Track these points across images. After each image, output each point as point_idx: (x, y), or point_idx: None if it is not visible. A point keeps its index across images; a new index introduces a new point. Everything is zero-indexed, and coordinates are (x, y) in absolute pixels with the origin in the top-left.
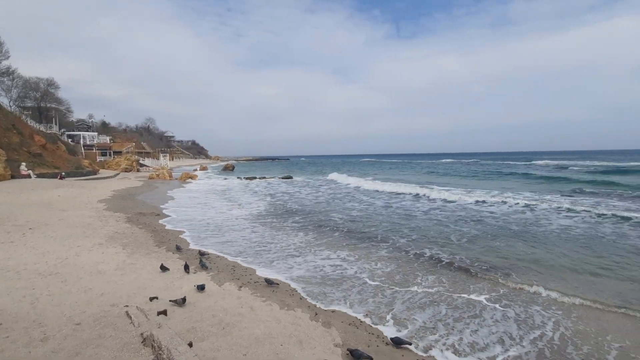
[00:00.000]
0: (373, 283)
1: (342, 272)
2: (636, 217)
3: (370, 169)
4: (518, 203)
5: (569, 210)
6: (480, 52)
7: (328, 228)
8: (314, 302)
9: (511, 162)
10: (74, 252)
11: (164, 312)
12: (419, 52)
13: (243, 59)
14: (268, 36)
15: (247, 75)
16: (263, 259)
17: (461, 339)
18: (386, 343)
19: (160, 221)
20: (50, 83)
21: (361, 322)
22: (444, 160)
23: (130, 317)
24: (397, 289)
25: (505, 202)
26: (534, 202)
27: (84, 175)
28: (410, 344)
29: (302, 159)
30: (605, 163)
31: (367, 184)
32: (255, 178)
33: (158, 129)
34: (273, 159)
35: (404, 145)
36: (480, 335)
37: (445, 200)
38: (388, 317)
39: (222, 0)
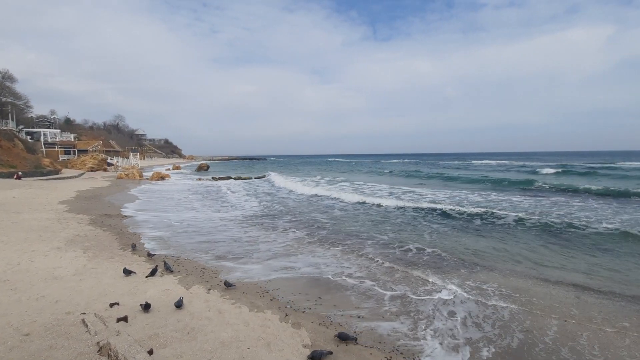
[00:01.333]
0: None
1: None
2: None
3: (325, 168)
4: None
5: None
6: (452, 56)
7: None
8: (284, 304)
9: (456, 162)
10: (27, 258)
11: (125, 319)
12: (394, 55)
13: (219, 55)
14: (244, 33)
15: (223, 72)
16: (233, 260)
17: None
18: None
19: (127, 222)
20: (5, 75)
21: (331, 321)
22: (392, 160)
23: (87, 325)
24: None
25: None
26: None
27: (44, 175)
28: (355, 339)
29: (272, 158)
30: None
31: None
32: (230, 178)
33: (128, 126)
34: (250, 158)
35: (379, 145)
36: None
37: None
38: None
39: None
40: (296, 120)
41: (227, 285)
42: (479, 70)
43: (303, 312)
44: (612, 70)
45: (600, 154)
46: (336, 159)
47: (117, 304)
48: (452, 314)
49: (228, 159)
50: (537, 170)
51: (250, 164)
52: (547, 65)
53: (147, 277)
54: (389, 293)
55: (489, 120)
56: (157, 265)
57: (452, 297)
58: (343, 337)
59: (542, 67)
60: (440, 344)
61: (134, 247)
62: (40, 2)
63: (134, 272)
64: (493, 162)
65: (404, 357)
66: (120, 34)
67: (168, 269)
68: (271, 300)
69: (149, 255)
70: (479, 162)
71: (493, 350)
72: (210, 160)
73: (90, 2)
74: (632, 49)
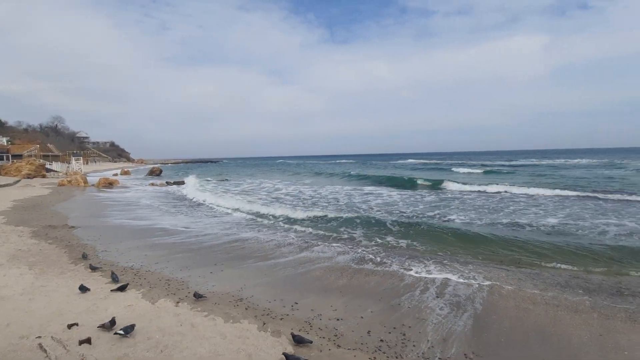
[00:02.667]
0: None
1: None
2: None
3: (263, 170)
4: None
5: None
6: (407, 60)
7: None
8: (261, 311)
9: (391, 162)
10: None
11: (88, 340)
12: (352, 57)
13: (171, 54)
14: (199, 31)
15: (175, 71)
16: (201, 270)
17: None
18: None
19: (75, 234)
20: None
21: (311, 326)
22: (338, 161)
23: (45, 350)
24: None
25: None
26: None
27: None
28: (311, 342)
29: (225, 161)
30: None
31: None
32: (183, 182)
33: (69, 128)
34: (206, 161)
35: (341, 146)
36: None
37: None
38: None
39: None
40: (256, 122)
41: (197, 296)
42: (433, 74)
43: (281, 319)
44: (550, 74)
45: (551, 152)
46: (285, 161)
47: (76, 324)
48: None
49: (183, 162)
50: (452, 169)
51: (202, 167)
52: (494, 70)
53: (112, 290)
54: None
55: (445, 121)
56: (127, 283)
57: None
58: (298, 341)
59: (490, 72)
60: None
61: (85, 256)
62: None
63: (89, 290)
64: (416, 161)
65: None
66: (61, 30)
67: (114, 280)
68: (246, 309)
69: (92, 268)
70: (404, 161)
71: None
72: (162, 163)
73: None
74: (564, 56)
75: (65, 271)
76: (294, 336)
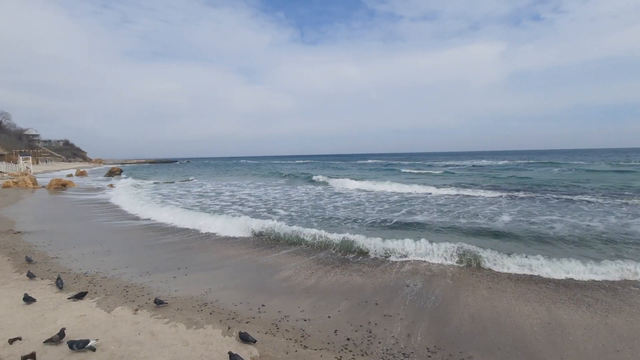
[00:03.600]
0: None
1: None
2: None
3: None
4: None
5: None
6: (375, 62)
7: None
8: (226, 315)
9: (351, 161)
10: None
11: (32, 356)
12: (322, 58)
13: (132, 48)
14: (162, 26)
15: (137, 67)
16: (163, 274)
17: None
18: (304, 346)
19: (22, 239)
20: None
21: (278, 328)
22: (298, 161)
23: None
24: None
25: None
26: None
27: None
28: (255, 341)
29: (184, 161)
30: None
31: None
32: (157, 182)
33: (15, 125)
34: (171, 161)
35: (310, 146)
36: None
37: None
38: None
39: None
40: (224, 121)
41: (158, 302)
42: (399, 77)
43: (247, 322)
44: (506, 80)
45: (502, 153)
46: (247, 161)
47: (19, 338)
48: None
49: (145, 163)
50: (398, 169)
51: (160, 167)
52: (455, 74)
53: (56, 302)
54: None
55: (409, 123)
56: (87, 291)
57: None
58: (243, 338)
59: (451, 76)
60: None
61: (29, 259)
62: None
63: (35, 300)
64: (375, 161)
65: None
66: (6, 18)
67: (58, 285)
68: (211, 313)
69: (29, 275)
70: (364, 161)
71: None
72: (123, 164)
73: None
74: (520, 63)
75: (9, 281)
76: (240, 334)
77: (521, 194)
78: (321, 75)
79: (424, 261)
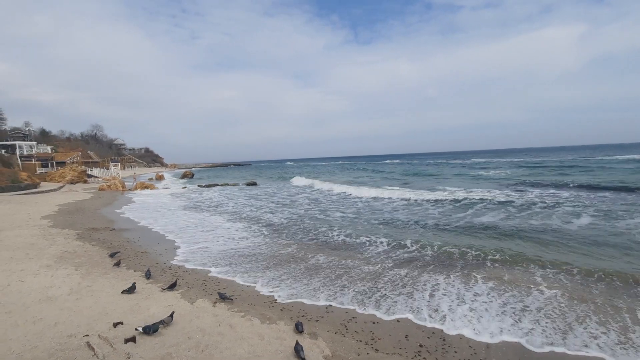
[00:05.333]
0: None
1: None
2: None
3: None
4: None
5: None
6: (432, 57)
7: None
8: (296, 313)
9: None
10: (16, 278)
11: (133, 339)
12: (376, 57)
13: (199, 61)
14: (225, 38)
15: (204, 78)
16: (236, 269)
17: None
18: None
19: (117, 236)
20: None
21: (347, 329)
22: (324, 162)
23: (93, 349)
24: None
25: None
26: None
27: (22, 190)
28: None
29: (251, 164)
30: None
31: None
32: (216, 185)
33: (107, 136)
34: (234, 164)
35: (365, 147)
36: None
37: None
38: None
39: (175, 1)
40: (279, 125)
41: (222, 297)
42: (458, 71)
43: (316, 320)
44: (585, 67)
45: (575, 148)
46: (292, 163)
47: (121, 323)
48: None
49: (212, 166)
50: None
51: (238, 170)
52: (523, 64)
53: (163, 290)
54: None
55: (470, 119)
56: (177, 280)
57: None
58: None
59: (519, 66)
60: None
61: (112, 255)
62: (12, 11)
63: (133, 289)
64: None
65: None
66: (96, 42)
67: (147, 277)
68: (281, 310)
69: (116, 264)
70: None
71: None
72: (193, 167)
73: (65, 10)
74: (603, 46)
75: (109, 272)
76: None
77: None
78: (375, 75)
79: None
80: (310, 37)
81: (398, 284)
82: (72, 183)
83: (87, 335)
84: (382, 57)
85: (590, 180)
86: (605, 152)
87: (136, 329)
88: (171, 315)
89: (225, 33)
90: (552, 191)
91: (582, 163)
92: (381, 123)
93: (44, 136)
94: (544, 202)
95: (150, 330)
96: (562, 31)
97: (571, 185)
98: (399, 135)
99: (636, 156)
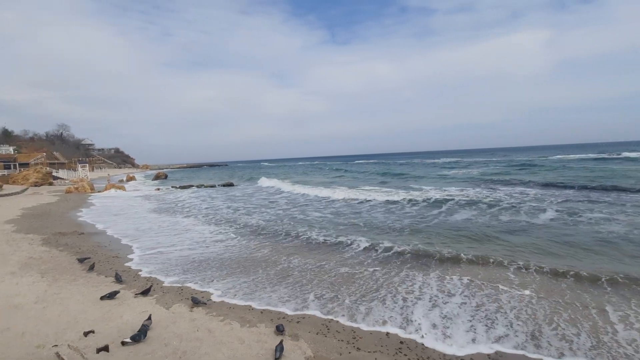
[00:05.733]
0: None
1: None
2: None
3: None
4: None
5: None
6: (408, 59)
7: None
8: (276, 315)
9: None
10: None
11: (105, 348)
12: (353, 58)
13: (173, 60)
14: (201, 36)
15: (178, 77)
16: (209, 274)
17: None
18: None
19: (86, 240)
20: None
21: (328, 329)
22: (299, 163)
23: (63, 359)
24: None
25: None
26: None
27: None
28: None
29: (227, 164)
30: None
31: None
32: (192, 186)
33: (74, 136)
34: (208, 165)
35: (344, 147)
36: None
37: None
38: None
39: None
40: (258, 125)
41: (195, 302)
42: (434, 73)
43: (297, 322)
44: (552, 70)
45: (535, 148)
46: (267, 164)
47: (92, 332)
48: None
49: (186, 167)
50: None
51: (214, 170)
52: (495, 67)
53: (136, 295)
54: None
55: (445, 120)
56: (151, 285)
57: None
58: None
59: (490, 69)
60: None
61: (81, 260)
62: None
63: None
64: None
65: None
66: (63, 39)
67: (118, 280)
68: (262, 312)
69: (91, 268)
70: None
71: None
72: (166, 168)
73: (30, 5)
74: (569, 51)
75: (78, 278)
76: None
77: None
78: (352, 75)
79: None
80: (288, 36)
81: (373, 287)
82: (36, 185)
83: (56, 345)
84: (359, 58)
85: (555, 178)
86: (566, 151)
87: (123, 342)
88: (149, 318)
89: (201, 31)
90: (519, 189)
91: (542, 162)
92: (362, 124)
93: (6, 136)
94: (512, 199)
95: (139, 337)
96: (530, 36)
97: (531, 184)
98: (380, 136)
99: (592, 155)
